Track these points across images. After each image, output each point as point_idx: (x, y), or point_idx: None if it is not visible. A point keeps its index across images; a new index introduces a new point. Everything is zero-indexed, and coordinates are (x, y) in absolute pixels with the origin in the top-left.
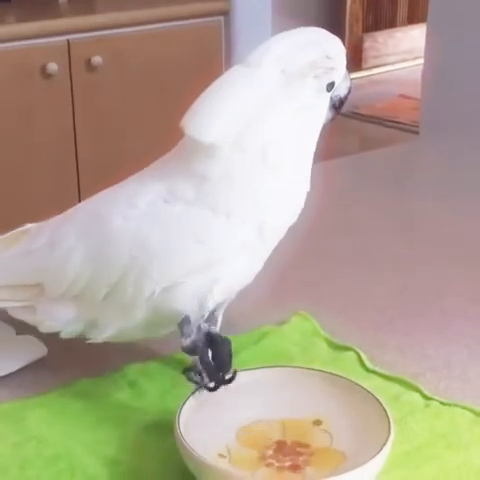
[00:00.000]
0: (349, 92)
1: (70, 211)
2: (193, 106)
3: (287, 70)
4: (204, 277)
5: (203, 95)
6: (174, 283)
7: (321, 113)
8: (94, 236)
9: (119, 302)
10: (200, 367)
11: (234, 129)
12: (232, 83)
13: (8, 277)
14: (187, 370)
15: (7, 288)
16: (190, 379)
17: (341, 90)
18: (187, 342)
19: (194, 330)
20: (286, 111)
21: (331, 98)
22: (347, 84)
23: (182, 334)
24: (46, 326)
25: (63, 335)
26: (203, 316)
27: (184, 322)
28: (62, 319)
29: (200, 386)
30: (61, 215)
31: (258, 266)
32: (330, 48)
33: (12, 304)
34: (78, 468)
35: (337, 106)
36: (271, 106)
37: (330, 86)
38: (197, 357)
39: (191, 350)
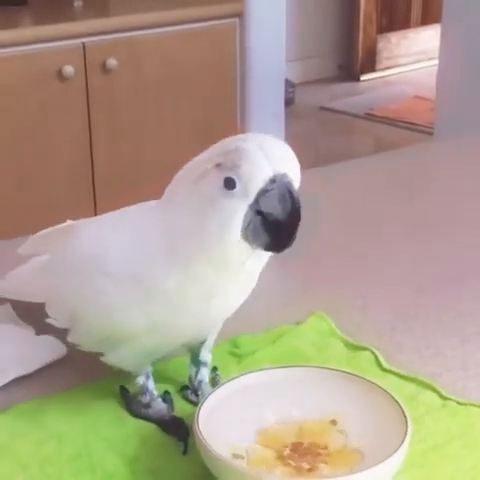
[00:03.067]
0: (291, 218)
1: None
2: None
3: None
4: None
5: None
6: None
7: (226, 214)
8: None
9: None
10: (196, 385)
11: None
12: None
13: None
14: (184, 389)
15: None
16: (186, 398)
17: (270, 207)
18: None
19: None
20: (191, 194)
21: (262, 213)
22: (281, 206)
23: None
24: (52, 321)
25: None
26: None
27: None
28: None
29: (198, 403)
30: (78, 226)
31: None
32: (248, 147)
33: (39, 300)
34: (98, 466)
35: (273, 228)
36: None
37: (229, 183)
38: (192, 375)
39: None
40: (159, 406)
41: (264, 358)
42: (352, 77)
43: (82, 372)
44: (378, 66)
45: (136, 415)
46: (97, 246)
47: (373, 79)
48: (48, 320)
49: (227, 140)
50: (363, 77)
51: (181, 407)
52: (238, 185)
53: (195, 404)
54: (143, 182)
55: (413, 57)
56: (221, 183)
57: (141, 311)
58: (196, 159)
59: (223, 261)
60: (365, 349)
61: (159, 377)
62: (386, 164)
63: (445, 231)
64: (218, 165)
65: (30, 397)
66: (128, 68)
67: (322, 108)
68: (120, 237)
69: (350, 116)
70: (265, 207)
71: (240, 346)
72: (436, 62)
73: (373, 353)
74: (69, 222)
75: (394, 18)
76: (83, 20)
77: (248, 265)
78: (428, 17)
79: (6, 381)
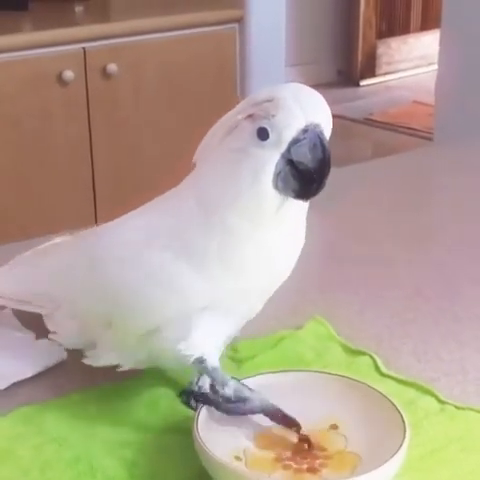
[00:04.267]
0: (321, 166)
1: (83, 236)
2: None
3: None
4: (179, 325)
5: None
6: (154, 328)
7: (258, 164)
8: (89, 273)
9: (116, 336)
10: (196, 390)
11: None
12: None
13: (35, 286)
14: (183, 393)
15: (34, 295)
16: (185, 403)
17: (302, 156)
18: (227, 391)
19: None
20: (221, 151)
21: (293, 162)
22: (311, 155)
23: (217, 383)
24: (52, 336)
25: (65, 346)
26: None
27: (208, 370)
28: (65, 334)
29: (196, 408)
30: (79, 236)
31: (256, 306)
32: (283, 96)
33: (36, 310)
34: (98, 470)
35: (303, 176)
36: (215, 147)
37: (262, 133)
38: (194, 380)
39: (232, 400)
40: (259, 396)
41: (263, 363)
42: (351, 82)
43: (82, 376)
44: (378, 71)
45: (237, 413)
46: (137, 232)
47: (373, 84)
48: (53, 337)
49: (257, 93)
50: (362, 82)
51: (181, 411)
52: (271, 135)
53: (194, 409)
54: (144, 186)
55: (413, 62)
56: (254, 133)
57: (200, 282)
58: (223, 118)
59: (257, 211)
60: (364, 354)
61: (160, 380)
62: (385, 169)
63: (443, 236)
64: (250, 116)
65: (30, 401)
66: (128, 73)
67: None
68: (156, 220)
69: (349, 121)
70: (296, 156)
71: (240, 351)
72: (436, 67)
73: (372, 358)
74: (57, 240)
75: (393, 23)
76: (83, 25)
77: (282, 215)
78: (428, 22)
79: (6, 385)
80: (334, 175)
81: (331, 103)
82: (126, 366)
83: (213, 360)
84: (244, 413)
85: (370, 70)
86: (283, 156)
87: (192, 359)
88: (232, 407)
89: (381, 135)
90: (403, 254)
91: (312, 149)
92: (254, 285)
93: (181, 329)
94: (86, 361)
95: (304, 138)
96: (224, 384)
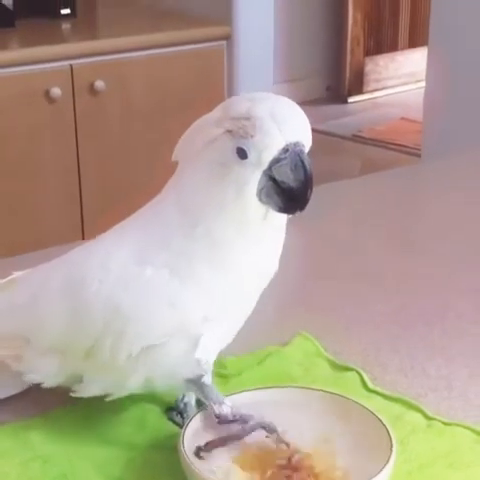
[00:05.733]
0: (303, 185)
1: (54, 263)
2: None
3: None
4: (182, 338)
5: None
6: (151, 345)
7: (241, 180)
8: (72, 298)
9: (100, 362)
10: (181, 407)
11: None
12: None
13: None
14: (169, 410)
15: None
16: (172, 419)
17: (283, 175)
18: (223, 409)
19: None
20: (203, 161)
21: (276, 181)
22: (293, 175)
23: (211, 401)
24: (29, 377)
25: (45, 385)
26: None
27: (205, 387)
28: (44, 371)
29: (182, 424)
30: (46, 266)
31: (248, 309)
32: (261, 116)
33: (1, 352)
34: None
35: (286, 195)
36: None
37: (242, 153)
38: (179, 397)
39: (229, 419)
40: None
41: (250, 379)
42: (340, 99)
43: (68, 393)
44: (366, 88)
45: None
46: (123, 249)
47: (361, 101)
48: (31, 377)
49: (237, 99)
50: (351, 99)
51: (167, 428)
52: (251, 155)
53: (180, 426)
54: (131, 203)
55: (401, 79)
56: (234, 151)
57: (193, 295)
58: (202, 122)
59: (242, 222)
60: (351, 370)
61: (146, 397)
62: (374, 185)
63: (430, 251)
64: (229, 131)
65: (15, 418)
66: (116, 90)
67: None
68: (140, 236)
69: (338, 137)
70: (278, 175)
71: (226, 367)
72: (423, 84)
73: (359, 373)
74: (15, 274)
75: (381, 41)
76: (71, 42)
77: (267, 222)
78: (415, 40)
79: None
80: (322, 191)
81: (319, 120)
82: (116, 394)
83: (208, 378)
84: (247, 432)
85: (358, 87)
86: (265, 173)
87: (200, 368)
88: (234, 426)
89: (369, 152)
90: (390, 269)
91: (293, 169)
92: (245, 288)
93: (184, 344)
94: (75, 394)
95: (285, 158)
96: (221, 402)
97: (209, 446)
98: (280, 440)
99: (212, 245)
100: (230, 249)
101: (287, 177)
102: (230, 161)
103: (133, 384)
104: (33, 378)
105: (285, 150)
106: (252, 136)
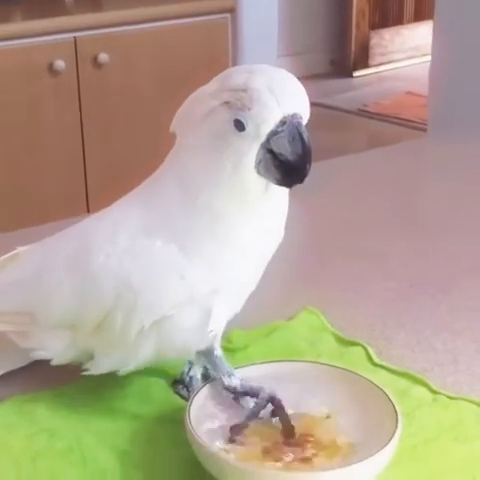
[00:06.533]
0: (301, 157)
1: (60, 238)
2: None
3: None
4: (194, 310)
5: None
6: (162, 317)
7: (239, 153)
8: (79, 273)
9: (110, 335)
10: (187, 380)
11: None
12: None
13: (1, 303)
14: (175, 383)
15: (1, 314)
16: (177, 392)
17: (281, 147)
18: (233, 381)
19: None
20: (200, 134)
21: (274, 153)
22: (291, 147)
23: (220, 373)
24: (37, 354)
25: (54, 363)
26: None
27: (216, 359)
28: (53, 347)
29: (188, 397)
30: (51, 240)
31: (255, 280)
32: (258, 87)
33: (7, 328)
34: (90, 460)
35: (284, 166)
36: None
37: (239, 125)
38: (185, 370)
39: (238, 391)
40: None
41: (256, 353)
42: (345, 73)
43: (74, 367)
44: (371, 62)
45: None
46: (127, 223)
47: (366, 75)
48: (40, 354)
49: (234, 71)
50: (356, 73)
51: (173, 401)
52: (248, 127)
53: (186, 399)
54: (136, 177)
55: (406, 53)
56: (231, 123)
57: (200, 268)
58: (199, 93)
59: (242, 194)
60: (356, 344)
61: (151, 371)
62: (379, 160)
63: (437, 227)
64: (226, 103)
65: (21, 392)
66: (120, 63)
67: (314, 104)
68: (142, 211)
69: (343, 112)
70: (276, 147)
71: (232, 341)
72: (429, 58)
73: (364, 348)
74: (18, 249)
75: (387, 14)
76: (75, 14)
77: (268, 193)
78: (421, 13)
79: None
80: (327, 166)
81: (324, 94)
82: (127, 369)
83: (218, 350)
84: (261, 406)
85: (363, 61)
86: (263, 146)
87: (213, 338)
88: (243, 398)
89: (375, 126)
90: (396, 244)
91: (291, 141)
92: (250, 260)
93: (195, 315)
94: (87, 373)
95: (282, 130)
96: (230, 374)
97: (236, 430)
98: (286, 420)
99: (213, 219)
100: (232, 222)
101: (285, 149)
102: (228, 133)
103: (144, 357)
104: (42, 355)
105: (283, 122)
106: (249, 108)
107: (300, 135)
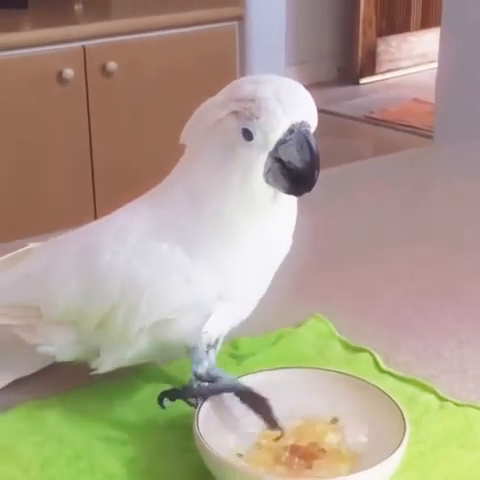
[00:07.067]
0: (309, 166)
1: (69, 236)
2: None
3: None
4: (195, 314)
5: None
6: (163, 319)
7: (247, 163)
8: (85, 269)
9: (112, 332)
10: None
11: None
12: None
13: (9, 297)
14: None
15: (9, 307)
16: (185, 399)
17: (290, 156)
18: (199, 370)
19: (204, 357)
20: (210, 144)
21: (282, 160)
22: (299, 155)
23: (193, 361)
24: (42, 349)
25: (58, 359)
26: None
27: (192, 349)
28: (57, 343)
29: (196, 404)
30: (61, 238)
31: (262, 288)
32: (266, 96)
33: (14, 322)
34: (98, 467)
35: (293, 176)
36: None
37: (247, 134)
38: (192, 378)
39: (203, 379)
40: (229, 376)
41: (263, 360)
42: (352, 80)
43: (82, 374)
44: (378, 69)
45: (201, 394)
46: (136, 225)
47: (373, 82)
48: (45, 349)
49: (242, 81)
50: (363, 80)
51: (181, 408)
52: (256, 136)
53: (194, 405)
54: (144, 184)
55: (413, 60)
56: (239, 133)
57: (207, 274)
58: (208, 104)
59: (250, 204)
60: (364, 351)
61: (160, 377)
62: (386, 167)
63: (444, 234)
64: (235, 113)
65: (30, 398)
66: (128, 71)
67: (321, 111)
68: (150, 215)
69: (350, 119)
70: (284, 156)
71: (239, 348)
72: (436, 65)
73: (372, 355)
74: (31, 245)
75: (394, 21)
76: (83, 23)
77: (276, 202)
78: (428, 20)
79: (6, 383)
80: (334, 173)
81: (331, 101)
82: (123, 364)
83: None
84: (216, 392)
85: (370, 68)
86: (271, 155)
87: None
88: (205, 387)
89: (381, 133)
90: (403, 251)
91: (299, 149)
92: (257, 268)
93: (195, 320)
94: (94, 373)
95: (290, 139)
96: (199, 363)
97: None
98: (258, 404)
99: (221, 226)
100: (240, 230)
101: (293, 158)
102: (236, 143)
103: (139, 353)
104: (47, 350)
105: (291, 131)
106: (257, 117)
107: (308, 143)
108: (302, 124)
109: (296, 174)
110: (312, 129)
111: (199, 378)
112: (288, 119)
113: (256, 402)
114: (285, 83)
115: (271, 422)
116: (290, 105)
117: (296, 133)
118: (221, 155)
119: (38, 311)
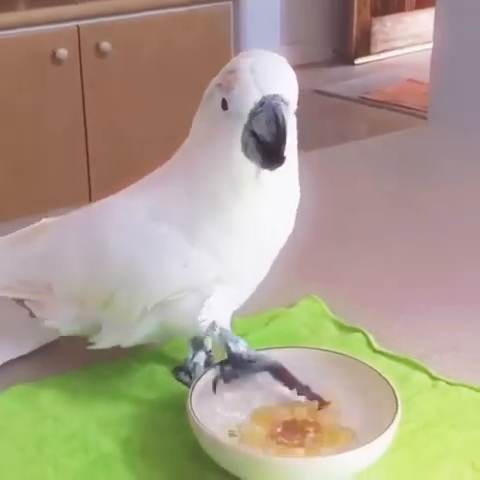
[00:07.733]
0: (275, 140)
1: (76, 215)
2: None
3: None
4: (194, 296)
5: None
6: (164, 301)
7: (227, 134)
8: (89, 250)
9: (117, 312)
10: (190, 367)
11: None
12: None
13: (22, 271)
14: (177, 370)
15: (22, 282)
16: (179, 379)
17: (260, 128)
18: (240, 348)
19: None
20: (201, 119)
21: (256, 134)
22: (268, 127)
23: (229, 341)
24: (48, 323)
25: (62, 333)
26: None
27: (222, 331)
28: (62, 317)
29: (190, 384)
30: (70, 216)
31: (260, 271)
32: (242, 68)
33: (25, 297)
34: (92, 447)
35: (264, 148)
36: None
37: (224, 104)
38: (189, 357)
39: (243, 358)
40: (260, 353)
41: (256, 340)
42: (346, 61)
43: (77, 355)
44: (373, 50)
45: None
46: (136, 207)
47: (368, 62)
48: (49, 323)
49: (236, 56)
50: (357, 61)
51: (175, 388)
52: (231, 106)
53: (188, 385)
54: (137, 165)
55: (408, 40)
56: (220, 103)
57: (203, 255)
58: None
59: (235, 178)
60: (357, 331)
61: (153, 357)
62: (381, 148)
63: (436, 214)
64: (219, 85)
65: (26, 379)
66: (122, 51)
67: (316, 92)
68: (150, 197)
69: (345, 100)
70: (256, 128)
71: (233, 329)
72: (431, 45)
73: (365, 334)
74: (44, 220)
75: (388, 1)
76: (78, 3)
77: (263, 178)
78: (423, 1)
79: (1, 363)
80: (329, 153)
81: (326, 82)
82: (131, 343)
83: (223, 323)
84: (257, 370)
85: (365, 48)
86: (246, 128)
87: (206, 327)
88: (247, 365)
89: (376, 113)
90: (397, 232)
91: (268, 122)
92: (253, 249)
93: (195, 302)
94: (92, 347)
95: (261, 111)
96: (236, 341)
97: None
98: (302, 392)
99: (211, 204)
100: (228, 209)
101: (263, 130)
102: (218, 114)
103: (145, 333)
104: (51, 324)
105: (262, 103)
106: (233, 88)
107: (276, 116)
108: (274, 97)
109: (266, 147)
110: (290, 105)
111: (239, 357)
112: (259, 91)
113: (290, 381)
114: (266, 57)
115: (313, 396)
116: (263, 77)
117: (266, 105)
118: (208, 128)
119: (49, 287)
